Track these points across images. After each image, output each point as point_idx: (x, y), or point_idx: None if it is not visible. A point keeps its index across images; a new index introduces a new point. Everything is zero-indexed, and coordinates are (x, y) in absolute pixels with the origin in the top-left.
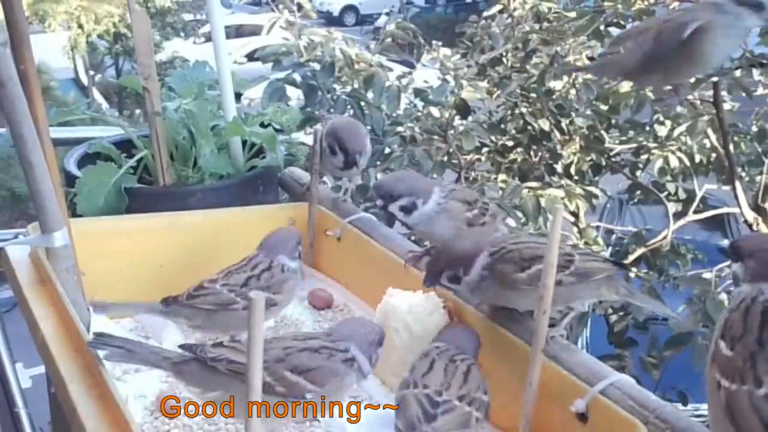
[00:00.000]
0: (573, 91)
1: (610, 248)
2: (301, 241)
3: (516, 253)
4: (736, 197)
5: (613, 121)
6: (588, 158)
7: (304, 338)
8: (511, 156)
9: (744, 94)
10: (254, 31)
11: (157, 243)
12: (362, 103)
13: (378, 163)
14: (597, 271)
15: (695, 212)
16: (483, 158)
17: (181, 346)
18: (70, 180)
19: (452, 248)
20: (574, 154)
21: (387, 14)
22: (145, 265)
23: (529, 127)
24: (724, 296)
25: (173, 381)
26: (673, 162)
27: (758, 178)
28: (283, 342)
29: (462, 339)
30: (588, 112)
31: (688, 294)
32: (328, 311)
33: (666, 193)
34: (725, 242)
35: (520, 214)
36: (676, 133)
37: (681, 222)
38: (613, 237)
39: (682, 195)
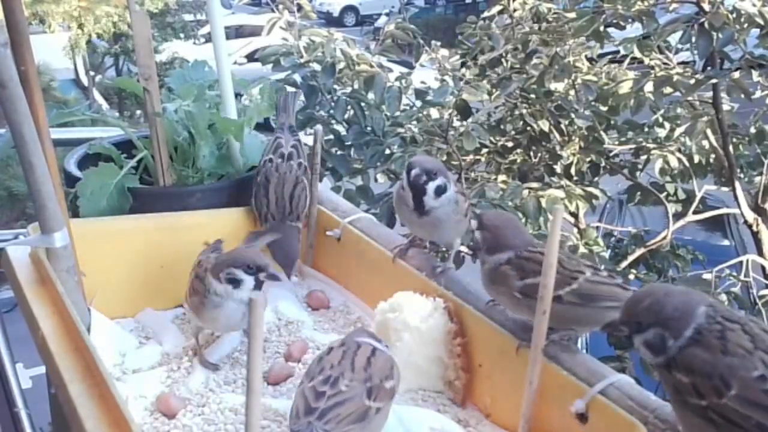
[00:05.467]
0: (572, 92)
1: (609, 249)
2: (256, 266)
3: (531, 263)
4: (735, 198)
5: (612, 122)
6: (587, 159)
7: None
8: (511, 157)
9: (743, 96)
10: (254, 31)
11: (157, 243)
12: (363, 104)
13: (378, 164)
14: (606, 297)
15: (695, 213)
16: (483, 159)
17: None
18: (70, 181)
19: (507, 234)
20: (574, 154)
21: (387, 15)
22: (145, 266)
23: (529, 128)
24: (724, 297)
25: (173, 381)
26: (673, 163)
27: (757, 179)
28: None
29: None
30: (587, 113)
31: None
32: (328, 311)
33: (665, 193)
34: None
35: (520, 215)
36: (675, 134)
37: (681, 222)
38: (613, 238)
39: (681, 196)
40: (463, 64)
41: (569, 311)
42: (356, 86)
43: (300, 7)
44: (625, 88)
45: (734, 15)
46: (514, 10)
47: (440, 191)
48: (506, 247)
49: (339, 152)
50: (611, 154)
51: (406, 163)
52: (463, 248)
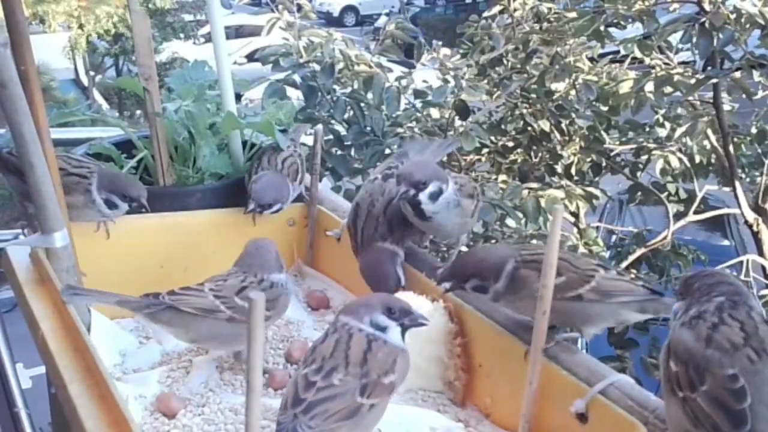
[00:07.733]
0: (573, 92)
1: (610, 249)
2: (277, 252)
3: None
4: (736, 198)
5: (613, 122)
6: (588, 159)
7: None
8: (512, 156)
9: (744, 96)
10: (254, 31)
11: (157, 243)
12: (362, 104)
13: (378, 164)
14: (623, 292)
15: (696, 213)
16: (483, 159)
17: None
18: None
19: (482, 257)
20: (574, 154)
21: (387, 14)
22: (145, 266)
23: (530, 128)
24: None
25: (173, 381)
26: (674, 163)
27: (758, 179)
28: None
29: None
30: (588, 112)
31: None
32: (328, 311)
33: (666, 193)
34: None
35: (520, 215)
36: (676, 134)
37: (681, 222)
38: (614, 238)
39: (682, 195)
40: (463, 56)
41: (589, 308)
42: (356, 86)
43: (300, 7)
44: (625, 87)
45: (735, 15)
46: (515, 10)
47: (435, 196)
48: (498, 259)
49: (339, 152)
50: (612, 154)
51: (395, 175)
52: (465, 248)
